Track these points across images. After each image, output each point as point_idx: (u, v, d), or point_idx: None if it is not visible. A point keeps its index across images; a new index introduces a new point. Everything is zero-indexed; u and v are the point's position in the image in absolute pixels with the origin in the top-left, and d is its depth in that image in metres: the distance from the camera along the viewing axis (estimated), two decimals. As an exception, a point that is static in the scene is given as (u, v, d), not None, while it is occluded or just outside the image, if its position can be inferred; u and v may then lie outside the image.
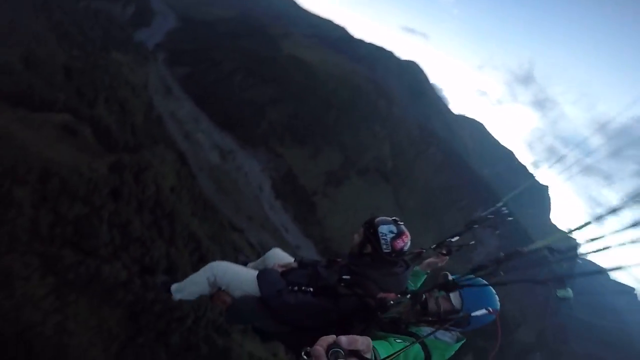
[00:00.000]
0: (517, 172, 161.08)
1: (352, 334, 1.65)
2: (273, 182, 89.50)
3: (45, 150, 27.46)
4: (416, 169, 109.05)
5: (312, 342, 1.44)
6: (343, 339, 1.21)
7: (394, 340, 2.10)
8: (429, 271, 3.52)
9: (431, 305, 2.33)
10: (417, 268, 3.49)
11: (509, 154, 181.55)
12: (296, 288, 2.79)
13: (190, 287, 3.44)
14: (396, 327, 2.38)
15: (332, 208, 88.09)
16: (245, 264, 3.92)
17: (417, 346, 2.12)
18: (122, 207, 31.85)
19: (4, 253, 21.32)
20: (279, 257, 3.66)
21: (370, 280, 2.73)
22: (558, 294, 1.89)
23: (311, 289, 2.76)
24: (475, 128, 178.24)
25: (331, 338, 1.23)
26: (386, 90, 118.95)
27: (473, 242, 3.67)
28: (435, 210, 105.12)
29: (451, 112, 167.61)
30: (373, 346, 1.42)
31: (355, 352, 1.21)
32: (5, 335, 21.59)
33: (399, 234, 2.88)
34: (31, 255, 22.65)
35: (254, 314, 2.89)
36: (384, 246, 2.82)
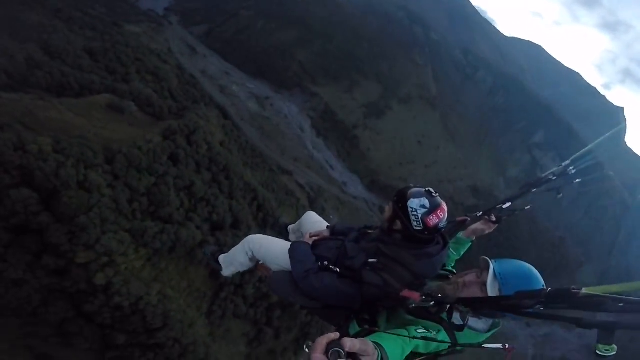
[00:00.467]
0: (585, 93, 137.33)
1: (378, 316, 2.13)
2: (312, 121, 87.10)
3: (102, 132, 28.11)
4: (465, 94, 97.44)
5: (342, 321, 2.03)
6: (347, 342, 1.25)
7: (416, 330, 1.96)
8: (474, 238, 2.97)
9: (456, 318, 2.08)
10: (460, 235, 2.96)
11: (575, 75, 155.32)
12: (326, 263, 2.57)
13: (234, 262, 3.41)
14: (426, 312, 2.12)
15: (376, 139, 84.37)
16: (286, 227, 3.92)
17: (443, 333, 2.02)
18: (183, 169, 32.89)
19: (101, 234, 23.27)
20: (313, 221, 3.46)
21: (399, 264, 2.33)
22: (598, 350, 1.44)
23: (338, 270, 2.49)
24: (531, 50, 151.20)
25: (335, 336, 1.27)
26: (420, 16, 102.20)
27: (528, 207, 3.07)
28: (489, 135, 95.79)
29: (501, 35, 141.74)
30: (381, 345, 1.48)
31: (354, 356, 1.25)
32: (124, 308, 24.74)
33: (433, 209, 2.32)
34: (122, 232, 24.63)
35: (288, 290, 2.79)
36: (415, 223, 2.33)
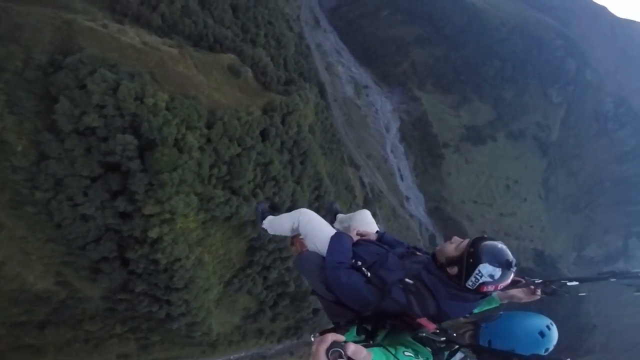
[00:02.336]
0: None
1: (379, 331, 2.14)
2: (402, 123, 79.64)
3: (214, 94, 27.99)
4: (591, 150, 77.00)
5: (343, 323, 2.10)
6: (351, 347, 1.26)
7: (404, 352, 1.89)
8: (505, 302, 2.66)
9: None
10: (495, 294, 2.45)
11: None
12: (359, 264, 2.45)
13: (278, 224, 3.31)
14: (430, 341, 2.06)
15: (462, 167, 73.62)
16: (336, 213, 3.80)
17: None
18: (268, 146, 32.03)
19: (173, 195, 23.52)
20: (365, 221, 3.25)
21: (431, 296, 2.19)
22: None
23: (368, 274, 2.36)
24: None
25: (340, 338, 1.28)
26: (582, 50, 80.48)
27: (584, 294, 2.71)
28: (592, 205, 75.58)
29: None
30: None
31: None
32: (159, 264, 25.10)
33: (497, 282, 2.10)
34: (192, 195, 24.86)
35: (312, 272, 2.67)
36: (470, 283, 2.13)
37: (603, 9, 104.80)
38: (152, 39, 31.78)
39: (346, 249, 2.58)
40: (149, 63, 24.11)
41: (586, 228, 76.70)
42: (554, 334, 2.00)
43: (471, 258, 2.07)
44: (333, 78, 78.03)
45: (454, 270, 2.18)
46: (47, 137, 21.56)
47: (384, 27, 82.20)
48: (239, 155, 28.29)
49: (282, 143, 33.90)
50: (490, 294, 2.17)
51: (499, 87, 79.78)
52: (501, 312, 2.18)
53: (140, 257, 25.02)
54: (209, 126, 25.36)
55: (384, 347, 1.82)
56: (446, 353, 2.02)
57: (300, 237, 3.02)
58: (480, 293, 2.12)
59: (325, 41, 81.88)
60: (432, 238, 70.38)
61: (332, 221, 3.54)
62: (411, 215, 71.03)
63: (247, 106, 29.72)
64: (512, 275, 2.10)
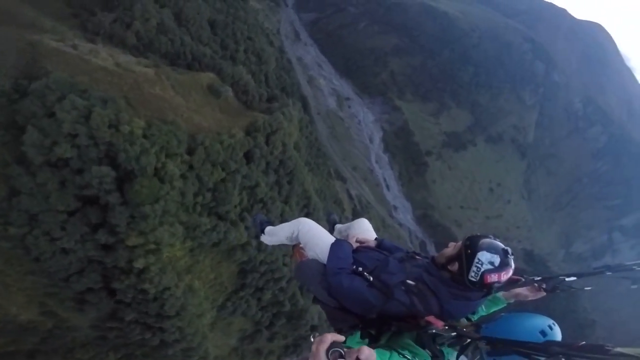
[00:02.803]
0: None
1: (387, 332, 2.17)
2: (384, 134, 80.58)
3: (194, 116, 26.74)
4: (566, 149, 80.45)
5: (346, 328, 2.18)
6: (365, 351, 1.26)
7: (399, 355, 1.90)
8: (511, 301, 2.66)
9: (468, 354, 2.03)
10: (499, 294, 2.59)
11: None
12: (360, 269, 2.44)
13: (278, 234, 3.31)
14: (431, 342, 2.06)
15: (445, 173, 75.01)
16: (334, 224, 3.81)
17: None
18: (253, 169, 30.95)
19: (157, 226, 22.18)
20: (364, 229, 3.29)
21: (434, 296, 2.22)
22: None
23: (371, 278, 2.37)
24: None
25: (340, 338, 1.28)
26: (548, 53, 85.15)
27: (589, 288, 2.60)
28: (573, 202, 78.65)
29: (639, 87, 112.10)
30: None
31: None
32: (147, 294, 24.01)
33: (499, 269, 2.11)
34: (177, 225, 23.47)
35: (313, 279, 2.65)
36: (472, 274, 2.13)
37: (563, 11, 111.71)
38: (127, 59, 30.33)
39: (347, 255, 2.60)
40: (123, 86, 22.65)
41: (570, 225, 79.43)
42: (557, 333, 1.95)
43: (469, 249, 2.13)
44: (315, 91, 78.25)
45: (454, 266, 2.21)
46: (17, 170, 19.79)
47: (363, 39, 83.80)
48: (223, 180, 26.97)
49: (268, 164, 32.86)
50: (493, 288, 2.14)
51: (475, 93, 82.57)
52: (502, 314, 2.13)
53: (127, 287, 23.92)
54: (190, 152, 24.00)
55: (381, 349, 1.83)
56: (448, 353, 2.00)
57: (300, 246, 3.03)
58: (483, 287, 2.11)
59: (306, 54, 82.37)
60: (422, 245, 70.65)
61: (330, 232, 3.48)
62: (400, 224, 71.20)
63: (229, 128, 28.62)
64: (512, 265, 2.11)
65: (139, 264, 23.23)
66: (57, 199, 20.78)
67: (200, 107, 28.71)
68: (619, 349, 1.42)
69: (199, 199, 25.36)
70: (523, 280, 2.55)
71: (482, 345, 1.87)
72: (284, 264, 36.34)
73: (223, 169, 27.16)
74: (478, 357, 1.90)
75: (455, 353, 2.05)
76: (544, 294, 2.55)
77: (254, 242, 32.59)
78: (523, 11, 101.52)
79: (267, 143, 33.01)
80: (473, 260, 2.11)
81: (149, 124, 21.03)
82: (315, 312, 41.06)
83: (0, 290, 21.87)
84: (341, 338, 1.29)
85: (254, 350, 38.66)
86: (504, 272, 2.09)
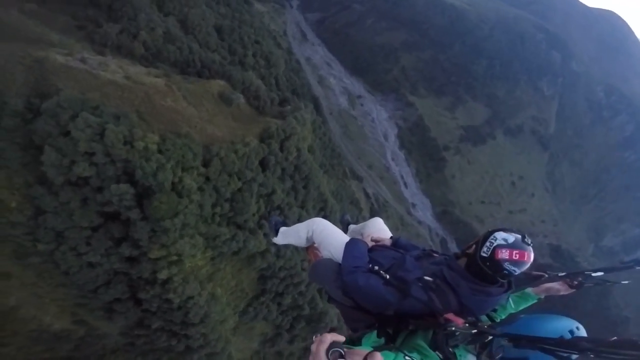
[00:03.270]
0: None
1: (404, 331, 2.11)
2: (399, 131, 78.40)
3: (207, 127, 26.11)
4: (590, 139, 75.99)
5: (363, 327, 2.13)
6: (377, 357, 1.27)
7: (404, 356, 1.85)
8: (542, 297, 2.54)
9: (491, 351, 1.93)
10: (529, 290, 2.53)
11: None
12: (376, 268, 2.37)
13: (292, 235, 3.28)
14: (443, 343, 1.98)
15: (465, 168, 72.09)
16: (347, 224, 3.76)
17: None
18: (269, 176, 30.23)
19: (178, 238, 21.87)
20: (378, 228, 3.23)
21: (452, 291, 2.14)
22: None
23: (387, 276, 2.30)
24: None
25: (340, 338, 1.28)
26: (563, 42, 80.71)
27: (627, 282, 2.49)
28: (601, 194, 74.10)
29: None
30: None
31: None
32: (172, 303, 24.23)
33: (512, 247, 2.02)
34: (197, 236, 23.09)
35: (328, 279, 2.60)
36: (484, 249, 2.09)
37: (575, 0, 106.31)
38: (136, 70, 30.08)
39: (362, 253, 2.53)
40: (134, 100, 22.21)
41: (599, 218, 75.02)
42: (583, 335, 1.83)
43: (489, 234, 2.10)
44: (326, 91, 77.03)
45: (472, 249, 2.17)
46: (40, 191, 19.93)
47: (371, 35, 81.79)
48: (240, 190, 26.33)
49: (283, 170, 32.04)
50: (506, 273, 2.02)
51: (491, 85, 79.16)
52: (521, 315, 2.05)
53: (152, 297, 24.30)
54: (206, 164, 23.41)
55: (387, 351, 1.77)
56: (460, 356, 1.92)
57: (315, 246, 2.97)
58: (494, 262, 2.02)
59: (315, 54, 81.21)
60: (443, 242, 68.30)
61: (344, 232, 3.31)
62: (419, 222, 69.05)
63: (242, 136, 27.90)
64: (529, 251, 2.01)
65: (162, 275, 23.46)
66: (80, 216, 20.95)
67: (213, 116, 28.13)
68: None
69: (217, 209, 24.84)
70: (547, 276, 2.44)
71: (504, 342, 1.78)
72: (303, 269, 35.70)
73: (239, 179, 26.51)
74: (500, 355, 1.80)
75: (468, 355, 1.94)
76: (574, 290, 2.43)
77: (272, 249, 32.11)
78: (533, 1, 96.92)
79: (281, 149, 32.19)
80: (488, 238, 2.07)
81: (163, 139, 20.50)
82: (335, 315, 40.64)
83: (34, 301, 22.79)
84: (341, 338, 1.27)
85: (275, 353, 38.72)
86: (517, 252, 1.99)
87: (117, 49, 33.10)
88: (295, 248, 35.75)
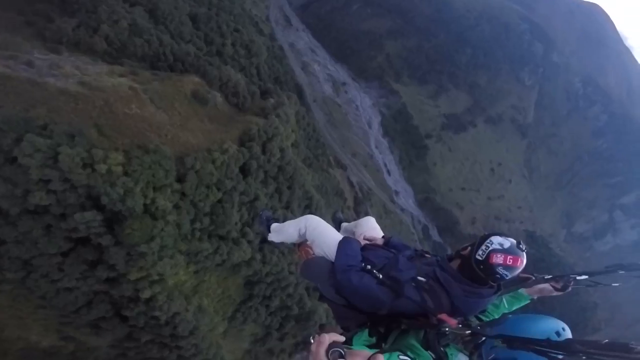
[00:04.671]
0: None
1: (395, 330, 2.07)
2: (383, 118, 76.41)
3: (179, 134, 23.33)
4: (566, 128, 76.71)
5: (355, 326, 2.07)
6: (379, 358, 1.23)
7: (398, 356, 1.79)
8: (534, 297, 2.55)
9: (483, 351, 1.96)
10: (522, 290, 2.53)
11: None
12: (369, 267, 2.33)
13: (285, 232, 3.16)
14: (435, 342, 1.97)
15: (446, 155, 71.70)
16: (340, 222, 3.61)
17: None
18: (251, 182, 28.05)
19: (157, 260, 19.89)
20: (371, 227, 3.16)
21: (445, 292, 2.12)
22: None
23: (380, 276, 2.27)
24: None
25: (339, 338, 1.25)
26: (546, 33, 78.67)
27: (617, 284, 2.48)
28: (574, 181, 76.06)
29: (638, 66, 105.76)
30: None
31: None
32: (159, 319, 22.83)
33: (507, 252, 2.01)
34: (178, 255, 21.18)
35: (321, 277, 2.56)
36: (480, 252, 2.07)
37: None
38: (97, 68, 26.16)
39: (355, 252, 2.48)
40: (91, 112, 18.87)
41: (571, 204, 77.53)
42: (569, 336, 1.83)
43: (485, 237, 2.08)
44: (310, 78, 73.00)
45: (466, 250, 2.13)
46: None
47: (356, 21, 77.17)
48: (220, 201, 24.20)
49: (266, 172, 29.82)
50: (498, 276, 2.01)
51: (473, 74, 77.46)
52: (509, 316, 2.03)
53: (138, 314, 22.89)
54: (180, 179, 20.90)
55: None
56: (452, 355, 1.89)
57: (307, 243, 2.89)
58: (488, 266, 2.00)
59: (299, 40, 76.07)
60: (425, 229, 69.01)
61: (337, 230, 3.15)
62: (402, 209, 69.07)
63: (220, 142, 25.23)
64: (522, 257, 2.00)
65: (145, 294, 21.90)
66: (46, 244, 18.63)
67: (186, 120, 25.15)
68: None
69: (197, 225, 22.75)
70: (533, 278, 2.44)
71: (498, 343, 1.77)
72: (290, 272, 34.69)
73: (219, 189, 24.25)
74: (492, 355, 1.80)
75: (459, 354, 1.91)
76: (569, 289, 2.42)
77: (258, 256, 30.63)
78: None
79: (263, 151, 29.74)
80: (484, 241, 2.04)
81: (128, 157, 17.80)
82: (323, 312, 40.52)
83: (15, 322, 21.34)
84: (341, 338, 1.24)
85: (266, 351, 38.28)
86: (511, 258, 1.97)
87: (74, 46, 28.70)
88: (282, 252, 34.54)
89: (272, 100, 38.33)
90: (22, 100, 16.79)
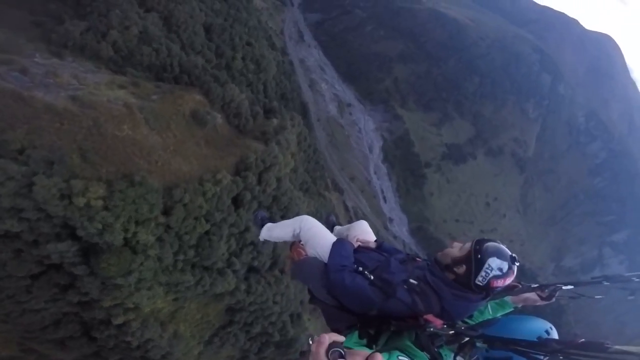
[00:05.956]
0: None
1: (385, 332, 2.08)
2: (384, 143, 75.62)
3: (171, 161, 21.89)
4: (564, 164, 76.20)
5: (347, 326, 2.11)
6: (378, 358, 1.22)
7: (397, 357, 1.79)
8: (519, 306, 2.57)
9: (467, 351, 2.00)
10: (507, 298, 2.55)
11: None
12: (361, 269, 2.33)
13: (278, 230, 3.19)
14: (428, 343, 1.99)
15: (443, 186, 70.71)
16: (333, 225, 3.57)
17: None
18: (242, 214, 26.56)
19: (134, 291, 18.28)
20: (364, 231, 3.10)
21: (436, 295, 2.14)
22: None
23: (372, 277, 2.27)
24: None
25: (339, 338, 1.24)
26: (556, 64, 79.04)
27: (600, 297, 2.55)
28: (567, 218, 75.40)
29: None
30: None
31: None
32: (131, 344, 21.01)
33: (506, 275, 2.07)
34: (156, 287, 19.57)
35: (313, 278, 2.54)
36: (480, 279, 2.06)
37: (575, 21, 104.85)
38: (98, 77, 24.78)
39: (349, 253, 2.48)
40: (77, 134, 17.28)
41: (562, 240, 76.69)
42: (555, 336, 1.91)
43: (479, 254, 2.04)
44: (316, 96, 72.25)
45: (461, 269, 2.10)
46: None
47: (368, 43, 76.88)
48: (207, 232, 22.75)
49: (260, 203, 28.45)
50: (493, 292, 2.07)
51: (479, 104, 77.15)
52: (499, 317, 2.10)
53: (108, 337, 21.16)
54: (167, 211, 19.49)
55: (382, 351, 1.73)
56: (446, 356, 1.93)
57: (300, 243, 2.89)
58: (488, 289, 2.03)
59: (309, 56, 75.53)
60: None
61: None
62: (395, 237, 67.75)
63: (214, 170, 23.80)
64: (515, 271, 2.06)
65: (118, 320, 20.18)
66: (14, 267, 16.96)
67: (181, 143, 23.73)
68: (618, 347, 1.38)
69: (180, 256, 21.23)
70: (520, 286, 2.45)
71: (480, 343, 1.80)
72: (275, 302, 33.02)
73: (207, 221, 22.80)
74: (476, 356, 1.82)
75: (452, 355, 1.94)
76: (554, 300, 2.42)
77: (243, 286, 28.93)
78: (534, 20, 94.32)
79: (259, 181, 28.37)
80: (482, 266, 2.00)
81: (110, 190, 16.34)
82: (306, 340, 38.76)
83: None
84: (341, 338, 1.23)
85: (243, 372, 36.88)
86: (509, 277, 2.03)
87: (79, 50, 27.41)
88: (268, 283, 32.91)
89: (275, 122, 37.08)
90: (1, 119, 15.30)
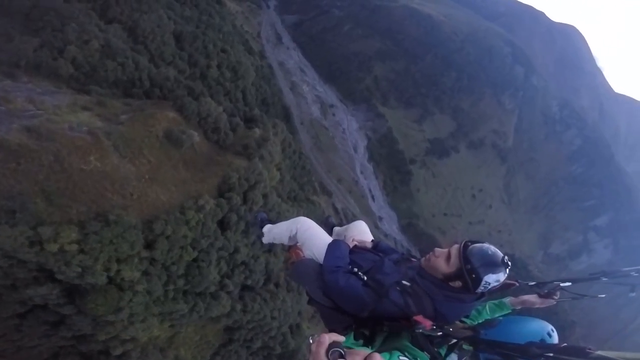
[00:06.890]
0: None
1: (380, 333, 2.07)
2: (369, 142, 75.94)
3: (148, 191, 20.77)
4: (543, 152, 79.36)
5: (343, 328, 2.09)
6: (377, 358, 1.20)
7: (399, 357, 1.77)
8: (517, 308, 2.54)
9: (452, 358, 2.02)
10: (506, 300, 2.53)
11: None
12: (355, 270, 2.32)
13: (276, 233, 3.19)
14: (428, 343, 1.97)
15: (429, 181, 71.97)
16: (332, 226, 3.58)
17: None
18: (230, 236, 25.78)
19: (128, 325, 17.36)
20: (361, 230, 3.14)
21: (428, 297, 2.10)
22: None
23: (365, 278, 2.26)
24: (636, 113, 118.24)
25: (339, 338, 1.24)
26: (527, 56, 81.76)
27: (603, 295, 2.64)
28: (550, 205, 78.85)
29: (610, 91, 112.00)
30: None
31: None
32: None
33: (499, 281, 2.03)
34: (150, 318, 18.71)
35: (309, 279, 2.53)
36: (481, 289, 2.02)
37: (541, 14, 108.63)
38: (58, 100, 22.96)
39: (343, 254, 2.48)
40: (37, 173, 15.83)
41: (548, 227, 79.94)
42: (555, 340, 1.90)
43: (473, 274, 1.96)
44: (299, 99, 71.36)
45: (457, 284, 2.05)
46: None
47: (346, 42, 76.57)
48: (195, 259, 21.93)
49: (247, 223, 27.76)
50: (489, 293, 2.07)
51: (457, 98, 78.72)
52: (500, 318, 2.10)
53: None
54: (150, 245, 18.58)
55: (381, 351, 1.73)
56: (443, 351, 1.96)
57: (298, 245, 2.89)
58: (485, 292, 2.03)
59: (289, 59, 74.31)
60: (408, 254, 68.89)
61: (328, 234, 3.14)
62: (386, 235, 68.40)
63: (196, 196, 22.78)
64: (508, 270, 2.04)
65: (116, 352, 19.28)
66: None
67: (157, 169, 22.53)
68: (599, 352, 1.38)
69: (170, 287, 20.34)
70: (517, 284, 2.38)
71: (466, 345, 1.76)
72: (273, 318, 32.55)
73: (194, 248, 21.92)
74: (465, 357, 1.82)
75: (451, 354, 1.95)
76: (553, 302, 2.39)
77: (238, 306, 28.20)
78: (502, 14, 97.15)
79: (244, 201, 27.62)
80: (480, 283, 1.95)
81: (84, 232, 15.32)
82: (307, 350, 38.85)
83: None
84: (341, 338, 1.23)
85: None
86: (503, 282, 2.04)
87: (34, 69, 25.44)
88: (264, 299, 32.40)
89: (257, 132, 36.11)
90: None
